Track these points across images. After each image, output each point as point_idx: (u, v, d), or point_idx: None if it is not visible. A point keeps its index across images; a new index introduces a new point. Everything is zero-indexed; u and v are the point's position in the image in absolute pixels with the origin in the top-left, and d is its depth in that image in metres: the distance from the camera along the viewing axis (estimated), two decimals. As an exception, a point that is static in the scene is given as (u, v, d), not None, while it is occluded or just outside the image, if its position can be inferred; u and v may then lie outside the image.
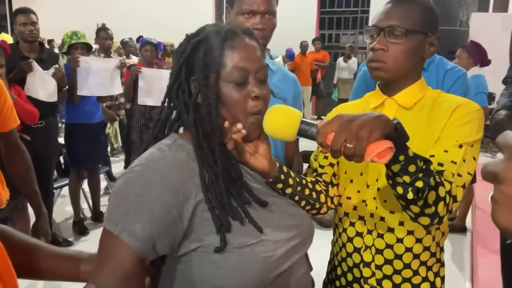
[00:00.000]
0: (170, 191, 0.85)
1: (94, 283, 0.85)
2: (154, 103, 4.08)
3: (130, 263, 0.83)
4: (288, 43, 9.04)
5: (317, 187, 1.15)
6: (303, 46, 9.26)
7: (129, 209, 0.84)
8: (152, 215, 0.83)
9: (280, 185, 1.03)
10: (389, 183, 0.94)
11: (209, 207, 0.87)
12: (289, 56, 9.10)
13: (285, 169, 1.05)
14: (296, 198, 1.07)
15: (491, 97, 4.63)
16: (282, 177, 1.03)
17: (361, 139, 0.79)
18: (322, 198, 1.16)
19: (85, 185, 4.12)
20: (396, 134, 0.85)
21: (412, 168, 0.88)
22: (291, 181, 1.05)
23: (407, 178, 0.89)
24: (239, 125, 0.91)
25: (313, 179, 1.19)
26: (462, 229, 3.83)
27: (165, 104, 0.99)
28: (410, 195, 0.89)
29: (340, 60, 9.46)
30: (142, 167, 0.87)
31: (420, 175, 0.89)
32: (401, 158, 0.87)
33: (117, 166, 5.34)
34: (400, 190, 0.91)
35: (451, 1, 6.37)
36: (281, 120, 0.91)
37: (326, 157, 1.23)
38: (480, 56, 4.00)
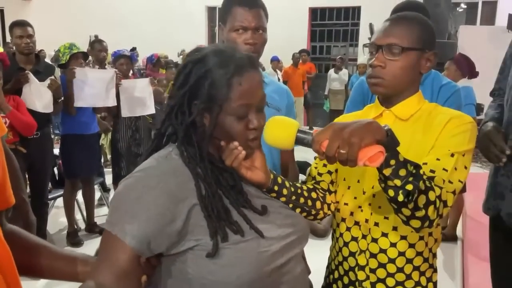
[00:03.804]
0: (165, 194, 0.91)
1: (92, 279, 0.90)
2: (139, 113, 4.08)
3: (126, 260, 0.89)
4: (281, 55, 9.16)
5: (313, 195, 1.20)
6: (295, 58, 9.36)
7: (127, 211, 0.91)
8: (147, 216, 0.90)
9: (274, 195, 1.08)
10: (381, 186, 0.98)
11: (205, 215, 0.92)
12: (274, 59, 9.17)
13: (279, 179, 1.10)
14: (290, 205, 1.12)
15: (479, 108, 4.73)
16: (276, 188, 1.07)
17: (353, 145, 0.85)
18: (318, 205, 1.20)
19: (78, 196, 4.11)
20: (387, 140, 0.90)
21: (402, 172, 0.93)
22: (285, 191, 1.09)
23: (398, 182, 0.93)
24: (236, 143, 0.96)
25: (310, 187, 1.24)
26: (453, 238, 3.88)
27: (165, 122, 1.03)
28: (400, 198, 0.94)
29: (331, 71, 9.56)
30: (140, 173, 0.96)
31: (411, 179, 0.94)
32: (392, 162, 0.92)
33: (111, 177, 5.31)
34: (391, 193, 0.95)
35: (439, 14, 6.51)
36: (280, 130, 0.98)
37: (325, 165, 1.28)
38: (468, 68, 4.09)
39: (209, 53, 0.97)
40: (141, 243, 0.90)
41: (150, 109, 4.11)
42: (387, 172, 0.93)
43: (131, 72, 4.36)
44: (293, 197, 1.12)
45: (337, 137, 0.87)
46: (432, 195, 0.99)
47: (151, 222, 0.90)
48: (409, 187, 0.93)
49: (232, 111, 0.95)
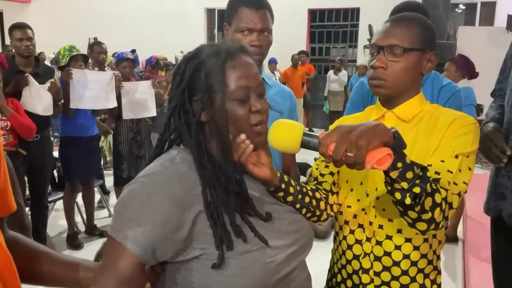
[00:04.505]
0: (170, 201, 0.89)
1: (95, 285, 0.88)
2: (141, 115, 4.10)
3: (130, 267, 0.87)
4: (280, 56, 9.16)
5: (317, 195, 1.19)
6: (294, 60, 9.36)
7: (131, 217, 0.89)
8: (152, 223, 0.87)
9: (281, 194, 1.07)
10: (388, 189, 0.98)
11: (211, 224, 0.91)
12: (272, 61, 9.18)
13: (286, 178, 1.09)
14: (297, 206, 1.11)
15: (479, 108, 4.73)
16: (283, 186, 1.07)
17: (361, 147, 0.84)
18: (322, 205, 1.19)
19: (78, 199, 4.10)
20: (395, 142, 0.89)
21: (409, 174, 0.92)
22: (291, 190, 1.09)
23: (405, 184, 0.92)
24: (243, 136, 0.95)
25: (313, 187, 1.23)
26: (454, 239, 3.87)
27: (168, 125, 1.02)
28: (408, 201, 0.93)
29: (331, 73, 9.57)
30: (145, 179, 0.93)
31: (417, 181, 0.93)
32: (399, 165, 0.91)
33: (111, 179, 5.29)
34: (398, 196, 0.95)
35: (438, 15, 6.51)
36: (285, 134, 0.97)
37: (327, 166, 1.27)
38: (468, 69, 4.09)
39: (200, 48, 1.00)
40: (145, 250, 0.88)
41: (152, 111, 4.12)
42: (394, 174, 0.92)
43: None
44: (299, 196, 1.11)
45: (345, 140, 0.86)
46: (438, 197, 0.99)
47: (156, 229, 0.88)
48: (417, 189, 0.93)
49: (233, 95, 0.94)
